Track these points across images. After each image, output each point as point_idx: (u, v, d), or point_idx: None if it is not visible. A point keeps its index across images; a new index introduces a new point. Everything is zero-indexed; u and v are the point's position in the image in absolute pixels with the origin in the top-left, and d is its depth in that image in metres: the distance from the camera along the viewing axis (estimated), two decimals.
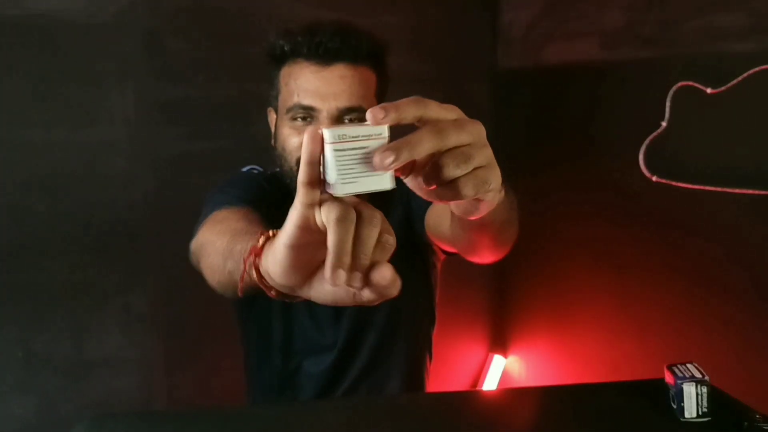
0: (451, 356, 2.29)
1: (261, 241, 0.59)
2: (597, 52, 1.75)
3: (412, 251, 1.16)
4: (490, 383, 2.31)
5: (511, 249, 0.88)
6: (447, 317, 2.24)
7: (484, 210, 0.55)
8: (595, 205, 1.81)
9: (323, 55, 0.99)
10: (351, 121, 1.01)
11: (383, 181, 0.48)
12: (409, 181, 0.52)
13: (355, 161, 0.47)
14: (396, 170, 0.49)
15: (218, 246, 0.82)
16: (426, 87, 2.22)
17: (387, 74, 1.08)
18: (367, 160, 0.47)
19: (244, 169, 1.23)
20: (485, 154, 0.49)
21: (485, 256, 0.88)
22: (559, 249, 1.98)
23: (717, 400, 0.99)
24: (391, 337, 1.18)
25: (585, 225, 1.85)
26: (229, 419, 1.02)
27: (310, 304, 1.14)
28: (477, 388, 2.30)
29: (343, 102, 0.99)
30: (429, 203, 1.08)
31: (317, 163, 0.47)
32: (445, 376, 2.28)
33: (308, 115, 1.00)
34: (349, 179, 0.47)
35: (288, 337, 1.17)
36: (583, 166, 1.85)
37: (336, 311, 1.15)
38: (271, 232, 0.59)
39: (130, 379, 1.83)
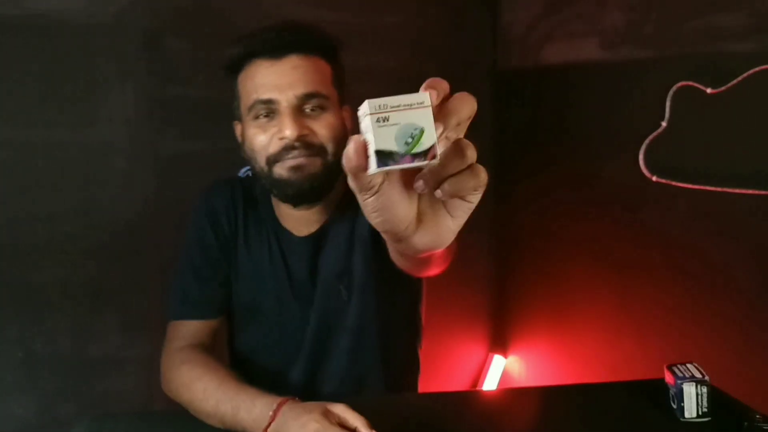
0: (451, 356, 2.30)
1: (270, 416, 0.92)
2: (597, 52, 1.75)
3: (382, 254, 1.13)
4: (490, 383, 2.31)
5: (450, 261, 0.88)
6: (447, 317, 2.25)
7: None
8: (595, 205, 1.81)
9: (274, 50, 1.01)
10: (313, 110, 1.02)
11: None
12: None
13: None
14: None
15: (209, 409, 0.99)
16: None
17: (341, 64, 1.09)
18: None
19: (243, 171, 1.23)
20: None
21: (421, 274, 0.90)
22: (559, 249, 1.97)
23: (717, 400, 0.99)
24: (363, 344, 1.15)
25: (585, 225, 1.85)
26: None
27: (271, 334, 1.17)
28: (477, 388, 2.30)
29: (300, 89, 1.00)
30: None
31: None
32: (445, 376, 2.28)
33: (269, 110, 1.02)
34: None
35: (254, 352, 1.19)
36: (583, 166, 1.85)
37: (302, 317, 1.14)
38: (272, 412, 0.92)
39: (130, 379, 1.83)
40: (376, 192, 0.49)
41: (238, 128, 1.12)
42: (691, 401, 0.98)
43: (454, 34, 2.18)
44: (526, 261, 2.17)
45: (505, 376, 2.31)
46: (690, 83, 1.42)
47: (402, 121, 0.45)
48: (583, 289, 1.88)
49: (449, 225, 0.52)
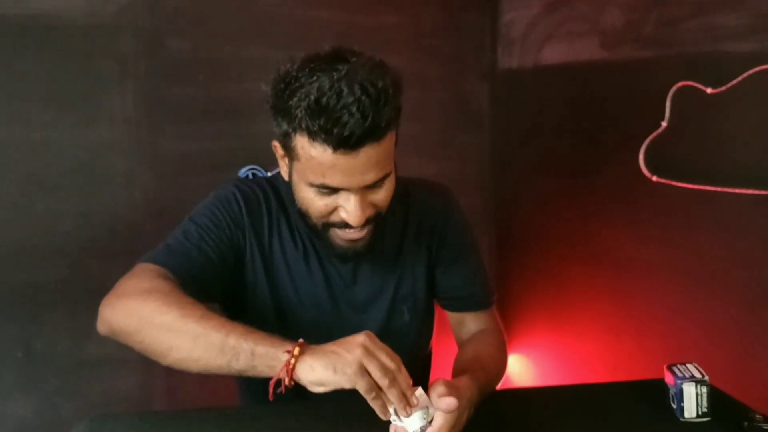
0: (451, 356, 2.29)
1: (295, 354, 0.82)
2: (597, 52, 1.75)
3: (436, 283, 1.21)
4: None
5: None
6: (447, 316, 2.24)
7: None
8: (594, 205, 1.81)
9: (353, 145, 0.90)
10: (376, 184, 0.96)
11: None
12: None
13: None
14: None
15: (193, 332, 0.93)
16: (426, 87, 2.22)
17: (401, 114, 0.99)
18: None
19: (243, 171, 1.23)
20: None
21: None
22: (559, 248, 1.97)
23: (717, 400, 0.99)
24: (416, 362, 1.20)
25: (585, 225, 1.85)
26: (229, 419, 1.02)
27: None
28: None
29: (370, 178, 0.94)
30: (461, 294, 1.23)
31: None
32: (445, 376, 2.27)
33: (334, 191, 0.96)
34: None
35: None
36: (582, 166, 1.85)
37: (339, 325, 1.12)
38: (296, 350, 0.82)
39: (130, 379, 1.83)
40: None
41: (278, 151, 1.02)
42: (691, 401, 0.98)
43: (454, 34, 2.18)
44: (526, 261, 2.17)
45: (505, 376, 2.31)
46: (690, 83, 1.42)
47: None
48: (583, 289, 1.88)
49: None
